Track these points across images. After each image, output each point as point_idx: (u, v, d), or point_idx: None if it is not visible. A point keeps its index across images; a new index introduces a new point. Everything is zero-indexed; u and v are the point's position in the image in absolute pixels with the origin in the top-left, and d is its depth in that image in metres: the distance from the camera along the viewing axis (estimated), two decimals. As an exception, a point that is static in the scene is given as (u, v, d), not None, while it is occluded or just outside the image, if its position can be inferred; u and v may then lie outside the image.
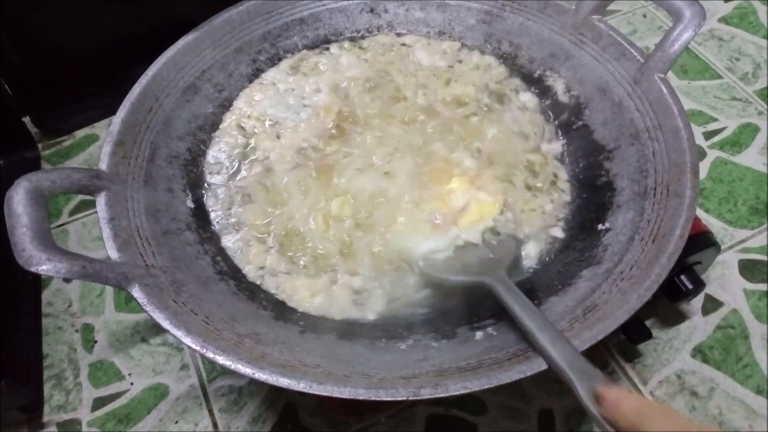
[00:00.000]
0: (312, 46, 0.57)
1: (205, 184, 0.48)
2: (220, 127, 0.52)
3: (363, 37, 0.58)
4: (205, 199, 0.48)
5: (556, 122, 0.51)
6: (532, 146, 0.50)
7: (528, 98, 0.53)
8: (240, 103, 0.53)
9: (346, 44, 0.57)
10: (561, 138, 0.51)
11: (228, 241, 0.46)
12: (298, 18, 0.56)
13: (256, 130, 0.52)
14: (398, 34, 0.58)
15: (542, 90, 0.53)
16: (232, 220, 0.47)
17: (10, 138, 0.69)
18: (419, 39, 0.57)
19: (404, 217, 0.44)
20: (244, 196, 0.48)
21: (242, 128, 0.52)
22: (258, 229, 0.46)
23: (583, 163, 0.49)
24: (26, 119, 0.73)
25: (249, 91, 0.54)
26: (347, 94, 0.53)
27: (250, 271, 0.44)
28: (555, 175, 0.49)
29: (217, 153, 0.50)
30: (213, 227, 0.46)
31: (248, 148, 0.51)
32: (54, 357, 0.57)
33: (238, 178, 0.49)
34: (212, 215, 0.47)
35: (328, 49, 0.57)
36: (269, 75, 0.55)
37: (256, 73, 0.55)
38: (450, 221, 0.44)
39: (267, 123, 0.52)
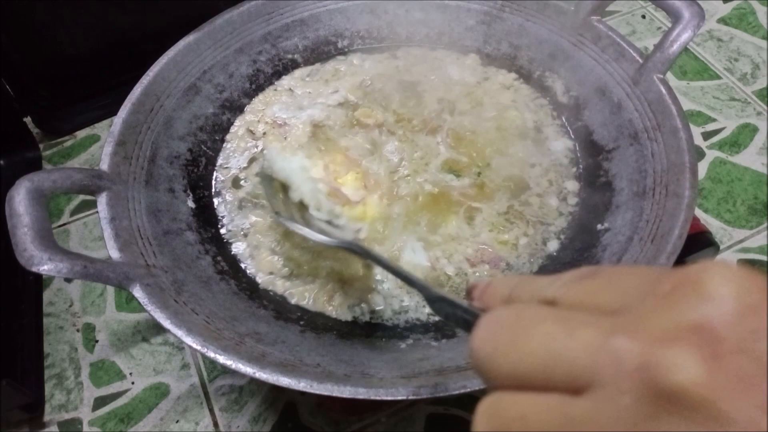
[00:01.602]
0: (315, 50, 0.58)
1: (214, 190, 0.49)
2: (231, 131, 0.53)
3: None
4: (216, 205, 0.48)
5: (581, 168, 0.49)
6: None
7: (561, 145, 0.51)
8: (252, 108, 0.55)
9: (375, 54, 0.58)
10: (580, 181, 0.49)
11: (238, 249, 0.46)
12: (299, 19, 0.56)
13: (265, 133, 0.52)
14: (433, 48, 0.58)
15: (542, 90, 0.54)
16: (241, 224, 0.47)
17: (11, 138, 0.69)
18: (449, 54, 0.58)
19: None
20: (251, 200, 0.48)
21: (252, 132, 0.52)
22: (264, 232, 0.47)
23: (582, 164, 0.49)
24: (27, 119, 0.74)
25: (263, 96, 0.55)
26: (374, 90, 0.55)
27: (261, 278, 0.45)
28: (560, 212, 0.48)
29: (226, 159, 0.51)
30: (223, 236, 0.47)
31: (256, 151, 0.52)
32: (55, 356, 0.57)
33: (243, 182, 0.50)
34: (223, 221, 0.48)
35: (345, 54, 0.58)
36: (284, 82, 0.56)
37: (257, 74, 0.55)
38: (337, 197, 0.45)
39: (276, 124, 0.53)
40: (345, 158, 0.49)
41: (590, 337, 0.15)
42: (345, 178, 0.48)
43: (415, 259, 0.44)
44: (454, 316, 0.24)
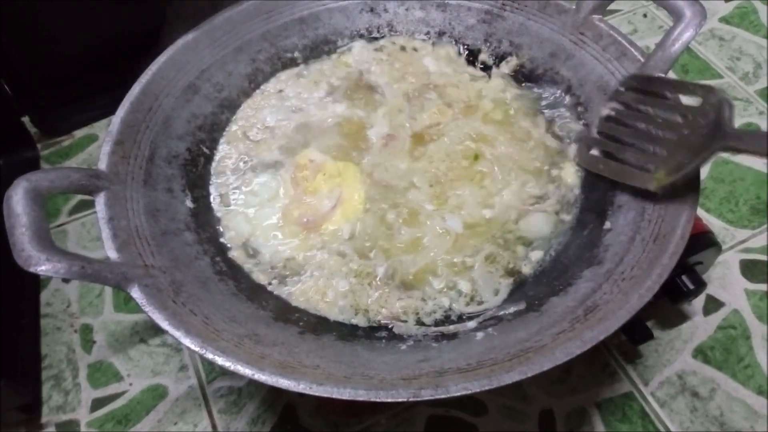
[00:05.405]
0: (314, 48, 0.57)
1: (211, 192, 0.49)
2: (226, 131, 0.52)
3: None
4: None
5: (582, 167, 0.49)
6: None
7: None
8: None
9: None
10: (581, 180, 0.48)
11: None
12: (298, 18, 0.56)
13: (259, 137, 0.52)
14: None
15: (542, 90, 0.53)
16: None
17: (9, 138, 0.69)
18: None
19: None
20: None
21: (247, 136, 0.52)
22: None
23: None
24: (25, 119, 0.73)
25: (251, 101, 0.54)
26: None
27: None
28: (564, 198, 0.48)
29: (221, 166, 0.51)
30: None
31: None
32: (53, 357, 0.57)
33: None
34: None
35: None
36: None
37: (255, 72, 0.55)
38: (316, 224, 0.46)
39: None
40: (308, 162, 0.49)
41: None
42: (315, 183, 0.48)
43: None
44: None
